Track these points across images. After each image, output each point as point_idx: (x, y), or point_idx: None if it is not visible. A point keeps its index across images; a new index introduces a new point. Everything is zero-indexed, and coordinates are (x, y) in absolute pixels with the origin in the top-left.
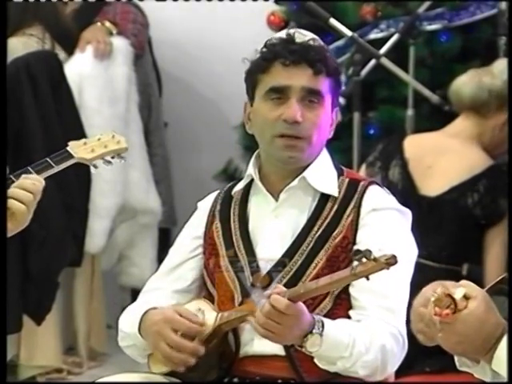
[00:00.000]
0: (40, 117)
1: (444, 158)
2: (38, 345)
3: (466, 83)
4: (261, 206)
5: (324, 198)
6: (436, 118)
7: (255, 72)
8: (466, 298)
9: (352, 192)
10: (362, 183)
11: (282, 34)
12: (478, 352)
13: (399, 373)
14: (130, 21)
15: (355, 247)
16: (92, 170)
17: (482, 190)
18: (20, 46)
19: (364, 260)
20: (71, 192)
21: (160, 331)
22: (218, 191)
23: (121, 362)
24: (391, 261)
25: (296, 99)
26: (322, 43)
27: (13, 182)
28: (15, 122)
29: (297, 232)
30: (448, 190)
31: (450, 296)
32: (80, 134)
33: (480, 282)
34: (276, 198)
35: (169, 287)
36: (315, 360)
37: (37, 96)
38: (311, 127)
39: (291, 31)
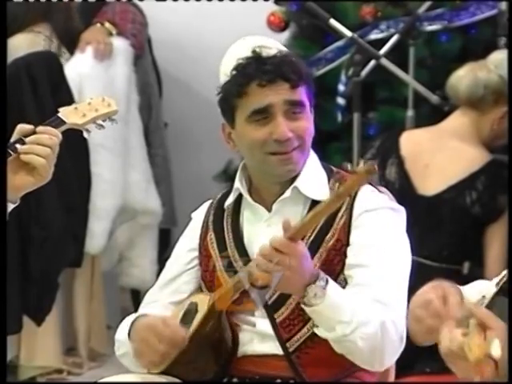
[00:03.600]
0: (40, 117)
1: (441, 156)
2: (38, 345)
3: (461, 79)
4: (253, 217)
5: (315, 204)
6: (436, 118)
7: (231, 97)
8: (483, 328)
9: None
10: None
11: (248, 51)
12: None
13: (399, 373)
14: (129, 21)
15: (349, 248)
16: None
17: (481, 188)
18: (26, 42)
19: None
20: (71, 193)
21: (144, 337)
22: (211, 201)
23: (121, 363)
24: (370, 168)
25: (281, 115)
26: (286, 51)
27: (10, 155)
28: (15, 122)
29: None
30: (446, 189)
31: (490, 357)
32: (80, 133)
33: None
34: (269, 209)
35: (166, 299)
36: (315, 329)
37: (37, 96)
38: (301, 138)
39: (257, 48)
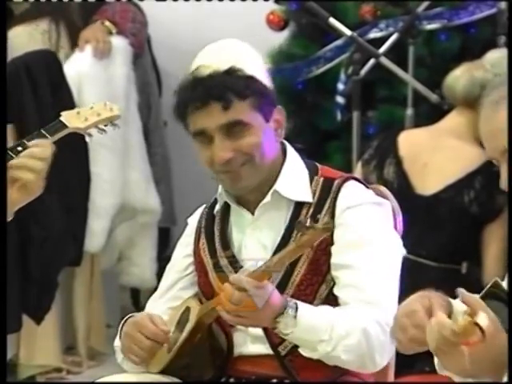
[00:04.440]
0: (39, 116)
1: (439, 156)
2: (37, 344)
3: (458, 78)
4: (240, 222)
5: (299, 205)
6: (435, 117)
7: (178, 117)
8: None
9: (327, 192)
10: (336, 182)
11: (193, 71)
12: (486, 373)
13: (399, 372)
14: (129, 20)
15: (333, 247)
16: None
17: (478, 187)
18: (25, 35)
19: (305, 230)
20: (71, 192)
21: (129, 333)
22: (204, 206)
23: None
24: (328, 226)
25: (219, 137)
26: (226, 68)
27: (11, 157)
28: (15, 122)
29: (276, 242)
30: (444, 189)
31: (476, 324)
32: (80, 133)
33: (480, 280)
34: (253, 213)
35: (164, 306)
36: (299, 349)
37: (36, 96)
38: (247, 154)
39: (196, 69)
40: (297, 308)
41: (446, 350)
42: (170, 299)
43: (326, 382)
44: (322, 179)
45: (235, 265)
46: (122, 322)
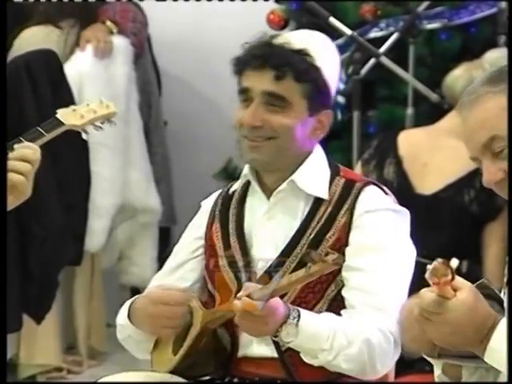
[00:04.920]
0: (40, 116)
1: (439, 155)
2: (37, 344)
3: (457, 78)
4: (255, 208)
5: (318, 201)
6: (435, 116)
7: (235, 68)
8: (454, 290)
9: (347, 193)
10: (357, 184)
11: (261, 35)
12: (469, 343)
13: (399, 371)
14: (129, 20)
15: (347, 248)
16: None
17: (479, 186)
18: (42, 35)
19: (316, 262)
20: (71, 191)
21: (152, 313)
22: (221, 190)
23: (121, 361)
24: (338, 261)
25: (258, 103)
26: (302, 47)
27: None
28: (15, 121)
29: (290, 235)
30: (444, 188)
31: (446, 265)
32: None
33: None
34: (269, 199)
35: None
36: (301, 354)
37: (37, 95)
38: (276, 131)
39: (270, 33)
40: (299, 316)
41: (427, 317)
42: (177, 279)
43: (326, 382)
44: (343, 180)
45: (245, 249)
46: (129, 303)
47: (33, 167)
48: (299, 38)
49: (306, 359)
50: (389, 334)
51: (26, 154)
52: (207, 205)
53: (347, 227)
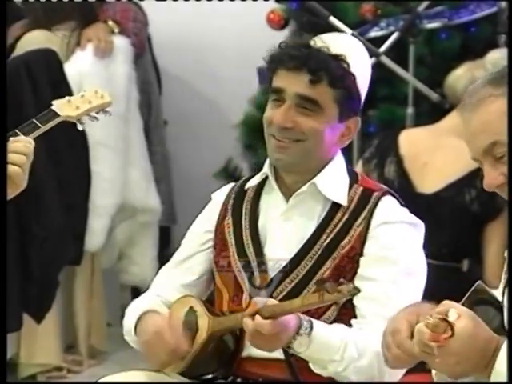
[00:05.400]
0: None
1: (440, 154)
2: (38, 343)
3: (459, 78)
4: (271, 206)
5: (335, 207)
6: (436, 116)
7: (268, 66)
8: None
9: (364, 202)
10: (375, 194)
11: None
12: (476, 369)
13: None
14: (130, 19)
15: (361, 258)
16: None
17: (479, 186)
18: (43, 37)
19: (330, 292)
20: (71, 190)
21: (149, 342)
22: (233, 184)
23: (121, 360)
24: (354, 291)
25: (290, 104)
26: (339, 53)
27: None
28: (15, 121)
29: (305, 238)
30: (445, 187)
31: (445, 320)
32: (80, 132)
33: (481, 278)
34: (287, 200)
35: (177, 280)
36: (310, 364)
37: (37, 95)
38: (305, 134)
39: (313, 38)
40: (311, 327)
41: (430, 352)
42: (185, 272)
43: (327, 383)
44: (361, 188)
45: (258, 248)
46: (138, 313)
47: (28, 159)
48: (337, 43)
49: (315, 369)
50: None
51: (18, 147)
52: (218, 198)
53: (363, 237)
